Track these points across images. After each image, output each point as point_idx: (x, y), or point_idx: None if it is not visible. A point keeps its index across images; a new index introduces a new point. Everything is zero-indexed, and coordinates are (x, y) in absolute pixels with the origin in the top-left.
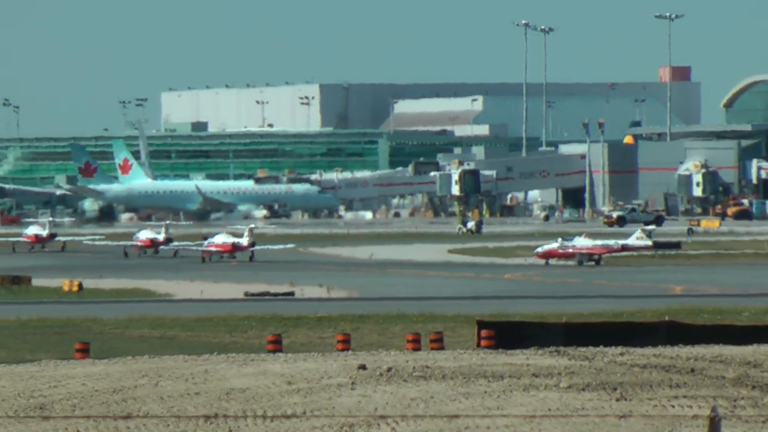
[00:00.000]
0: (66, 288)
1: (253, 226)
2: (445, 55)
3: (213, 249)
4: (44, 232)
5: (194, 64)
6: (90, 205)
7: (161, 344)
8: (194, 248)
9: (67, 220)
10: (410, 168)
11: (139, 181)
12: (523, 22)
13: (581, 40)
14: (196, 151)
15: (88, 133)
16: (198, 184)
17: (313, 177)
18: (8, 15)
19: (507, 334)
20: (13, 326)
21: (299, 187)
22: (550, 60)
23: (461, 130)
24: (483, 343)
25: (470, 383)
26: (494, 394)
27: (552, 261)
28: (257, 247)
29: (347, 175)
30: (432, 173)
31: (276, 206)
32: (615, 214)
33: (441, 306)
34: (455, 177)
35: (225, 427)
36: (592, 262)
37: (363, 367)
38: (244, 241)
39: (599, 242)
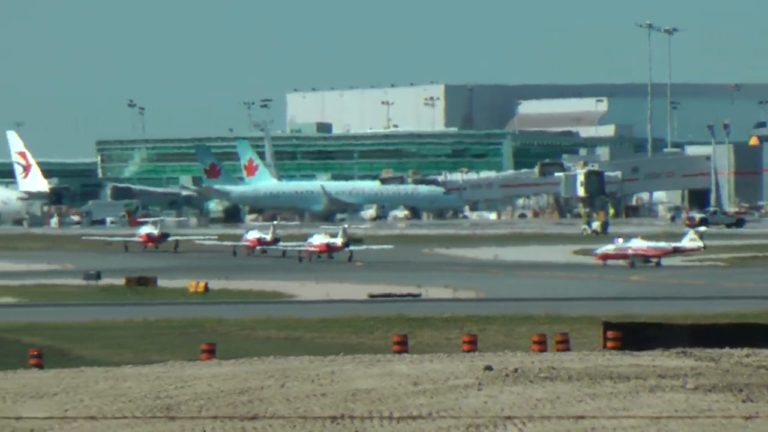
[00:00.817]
0: (192, 289)
1: (345, 226)
2: (570, 56)
3: (311, 249)
4: (156, 232)
5: (319, 64)
6: (215, 206)
7: (287, 345)
8: (300, 248)
9: (192, 220)
10: (535, 169)
11: (264, 181)
12: (647, 23)
13: (705, 41)
14: (321, 151)
15: (213, 134)
16: (323, 184)
17: (439, 178)
18: (133, 17)
19: (633, 336)
20: (139, 327)
21: (424, 188)
22: (674, 61)
23: (586, 131)
24: (609, 344)
25: (596, 384)
26: (620, 395)
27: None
28: (355, 248)
29: (472, 176)
30: (557, 174)
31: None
32: (697, 217)
33: (567, 307)
34: (580, 178)
35: (351, 427)
36: (652, 263)
37: (489, 368)
38: (338, 241)
39: (653, 244)
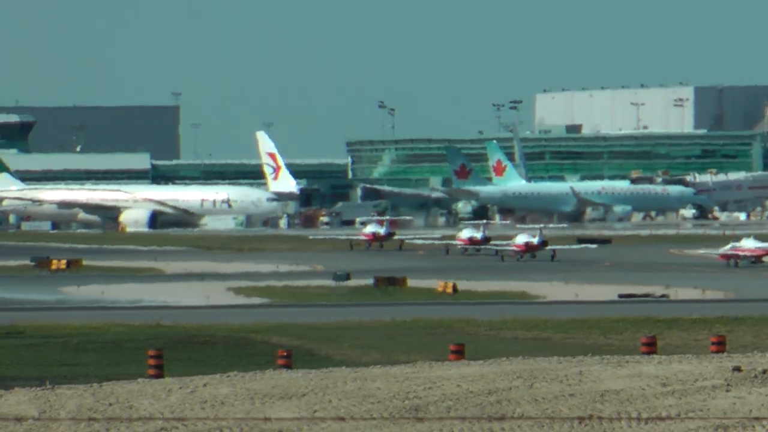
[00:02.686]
0: (440, 289)
1: (542, 226)
2: None
3: (514, 248)
4: (382, 230)
5: (568, 65)
6: (463, 207)
7: (535, 345)
8: (504, 248)
9: (440, 220)
10: None
11: (513, 182)
12: None
13: None
14: (570, 152)
15: (463, 135)
16: (573, 185)
17: (688, 178)
18: (383, 18)
19: None
20: (388, 327)
21: (674, 189)
22: None
23: None
24: None
25: None
26: None
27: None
28: (557, 247)
29: (721, 177)
30: None
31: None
32: None
33: None
34: None
35: (599, 428)
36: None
37: (737, 369)
38: (535, 240)
39: (761, 245)
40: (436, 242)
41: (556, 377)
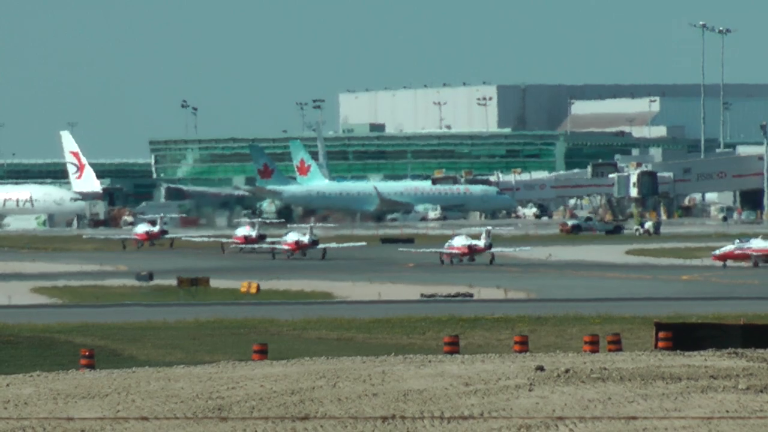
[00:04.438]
0: (243, 289)
1: (312, 225)
2: (622, 56)
3: (285, 247)
4: (155, 229)
5: (372, 65)
6: (267, 206)
7: (339, 345)
8: (276, 246)
9: (243, 220)
10: (588, 169)
11: (316, 182)
12: (701, 23)
13: (759, 41)
14: (374, 152)
15: (266, 135)
16: (376, 185)
17: (491, 178)
18: (186, 17)
19: (685, 336)
20: (191, 327)
21: (477, 188)
22: (728, 61)
23: (639, 132)
24: (661, 344)
25: (648, 385)
26: (672, 395)
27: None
28: (329, 245)
29: (525, 176)
30: (610, 175)
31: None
32: (570, 223)
33: (619, 307)
34: (633, 179)
35: (402, 428)
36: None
37: (540, 368)
38: (306, 239)
39: (470, 243)
40: (212, 240)
41: (360, 377)
